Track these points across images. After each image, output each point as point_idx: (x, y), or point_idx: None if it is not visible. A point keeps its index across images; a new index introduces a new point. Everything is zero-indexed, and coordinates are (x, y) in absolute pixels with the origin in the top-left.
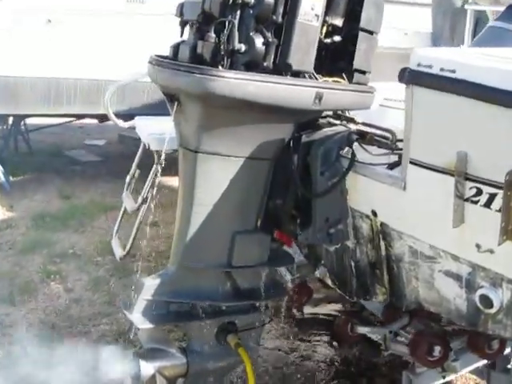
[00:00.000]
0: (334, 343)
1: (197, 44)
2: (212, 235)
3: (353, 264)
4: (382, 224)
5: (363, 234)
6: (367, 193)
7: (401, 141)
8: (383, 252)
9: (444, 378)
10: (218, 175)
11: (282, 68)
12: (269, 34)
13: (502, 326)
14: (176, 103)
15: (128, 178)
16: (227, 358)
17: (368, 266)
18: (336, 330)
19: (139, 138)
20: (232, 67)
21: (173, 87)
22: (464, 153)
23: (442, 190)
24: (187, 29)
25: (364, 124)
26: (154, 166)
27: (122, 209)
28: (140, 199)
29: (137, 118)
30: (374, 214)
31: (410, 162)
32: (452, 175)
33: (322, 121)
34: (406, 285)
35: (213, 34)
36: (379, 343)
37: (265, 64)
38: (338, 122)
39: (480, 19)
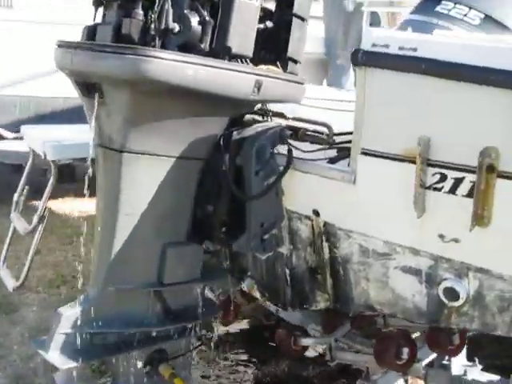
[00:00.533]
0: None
1: (121, 23)
2: (140, 250)
3: (287, 272)
4: (325, 224)
5: (301, 238)
6: (308, 191)
7: (337, 135)
8: (326, 255)
9: (407, 382)
10: (145, 178)
11: (219, 51)
12: (205, 13)
13: (468, 318)
14: (97, 94)
15: (16, 197)
16: None
17: (307, 272)
18: (279, 344)
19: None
20: (164, 49)
21: (94, 73)
22: (426, 137)
23: (400, 180)
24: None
25: (295, 119)
26: (51, 178)
27: (10, 232)
28: (36, 219)
29: (23, 126)
30: (316, 213)
31: (362, 153)
32: (412, 162)
33: (247, 117)
34: (353, 288)
35: (140, 11)
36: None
37: (201, 46)
38: (265, 117)
39: (374, 23)
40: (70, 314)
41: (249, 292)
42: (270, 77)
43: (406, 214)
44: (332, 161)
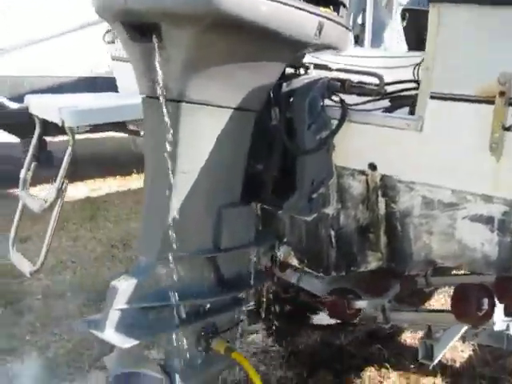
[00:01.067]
0: None
1: None
2: (196, 213)
3: (332, 233)
4: (382, 178)
5: (352, 195)
6: (363, 144)
7: (389, 84)
8: (381, 211)
9: (476, 336)
10: (204, 131)
11: None
12: None
13: None
14: (154, 37)
15: (23, 173)
16: (213, 367)
17: (356, 232)
18: (332, 310)
19: None
20: None
21: (155, 11)
22: (508, 74)
23: (474, 123)
24: None
25: (340, 70)
26: (69, 147)
27: (19, 213)
28: (53, 193)
29: (27, 96)
30: (373, 167)
31: (431, 97)
32: (489, 102)
33: (288, 70)
34: (412, 243)
35: None
36: None
37: None
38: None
39: None
40: (126, 287)
41: (284, 260)
42: (330, 20)
43: (481, 159)
44: (387, 111)
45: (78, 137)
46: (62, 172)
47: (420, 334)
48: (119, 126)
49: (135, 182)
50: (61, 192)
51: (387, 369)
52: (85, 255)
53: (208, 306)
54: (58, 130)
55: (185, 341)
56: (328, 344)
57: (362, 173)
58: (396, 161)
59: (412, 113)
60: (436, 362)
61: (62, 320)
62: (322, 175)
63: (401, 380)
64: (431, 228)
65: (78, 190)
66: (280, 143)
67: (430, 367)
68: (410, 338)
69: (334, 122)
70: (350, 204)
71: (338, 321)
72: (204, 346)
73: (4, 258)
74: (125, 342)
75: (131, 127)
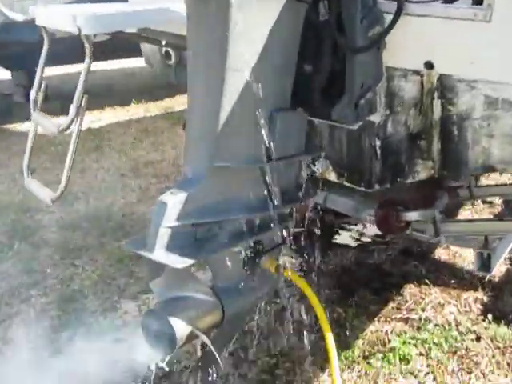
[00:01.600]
0: None
1: None
2: (247, 118)
3: (378, 143)
4: (440, 77)
5: (403, 99)
6: (419, 41)
7: None
8: (436, 115)
9: None
10: (257, 24)
11: None
12: None
13: None
14: None
15: (33, 93)
16: (262, 287)
17: (405, 140)
18: (381, 223)
19: None
20: None
21: None
22: None
23: None
24: None
25: None
26: (87, 58)
27: (31, 136)
28: (73, 110)
29: (32, 7)
30: (429, 66)
31: None
32: None
33: None
34: (470, 148)
35: None
36: None
37: None
38: None
39: None
40: (175, 202)
41: (321, 175)
42: None
43: None
44: (448, 1)
45: (68, 71)
46: (80, 86)
47: (454, 249)
48: (135, 35)
49: (135, 111)
50: (80, 109)
51: (427, 285)
52: (95, 186)
53: (257, 221)
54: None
55: (233, 260)
56: (363, 264)
57: (417, 73)
58: (457, 57)
59: (477, 2)
60: (492, 273)
61: (81, 252)
62: (371, 78)
63: (442, 295)
64: (492, 131)
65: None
66: (329, 41)
67: (487, 278)
68: (444, 254)
69: (387, 17)
70: (399, 109)
71: (367, 239)
72: (252, 265)
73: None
74: (178, 262)
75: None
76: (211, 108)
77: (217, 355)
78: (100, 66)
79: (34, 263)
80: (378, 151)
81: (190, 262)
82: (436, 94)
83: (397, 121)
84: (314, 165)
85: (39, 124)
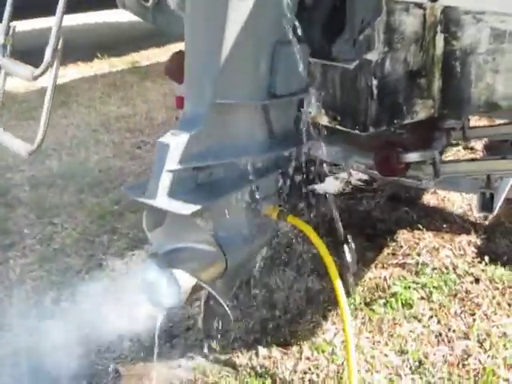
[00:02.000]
0: None
1: None
2: (250, 50)
3: (375, 83)
4: (444, 10)
5: (403, 35)
6: None
7: None
8: (439, 50)
9: None
10: None
11: None
12: None
13: None
14: None
15: (2, 34)
16: (263, 235)
17: (404, 79)
18: (382, 165)
19: None
20: None
21: None
22: None
23: None
24: None
25: None
26: None
27: (0, 84)
28: (48, 53)
29: None
30: None
31: None
32: None
33: None
34: (473, 85)
35: None
36: None
37: None
38: None
39: None
40: (178, 143)
41: (313, 119)
42: None
43: None
44: None
45: (26, 28)
46: (56, 26)
47: (442, 194)
48: None
49: (100, 66)
50: (56, 52)
51: (420, 230)
52: (65, 142)
53: (258, 165)
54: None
55: (233, 208)
56: (352, 211)
57: (419, 6)
58: None
59: None
60: (495, 212)
61: (59, 209)
62: (371, 12)
63: (436, 240)
64: (498, 65)
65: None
66: None
67: (490, 217)
68: (433, 199)
69: None
70: (399, 46)
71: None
72: (252, 212)
73: None
74: (184, 209)
75: None
76: (213, 42)
77: (226, 307)
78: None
79: (9, 223)
80: (375, 91)
81: (196, 207)
82: (439, 28)
83: (396, 58)
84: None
85: (10, 71)
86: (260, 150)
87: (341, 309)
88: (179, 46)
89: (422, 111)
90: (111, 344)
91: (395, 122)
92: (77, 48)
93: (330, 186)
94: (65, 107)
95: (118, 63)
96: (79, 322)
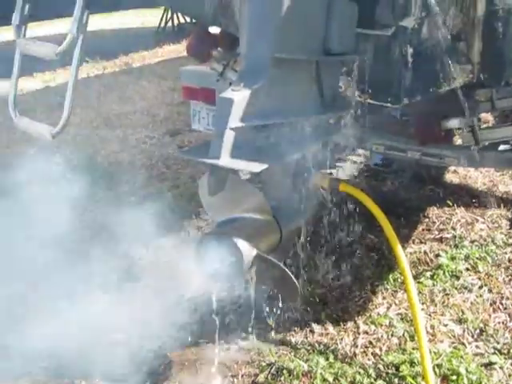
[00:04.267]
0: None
1: None
2: (308, 4)
3: (410, 51)
4: None
5: None
6: None
7: None
8: (480, 11)
9: None
10: None
11: None
12: None
13: None
14: None
15: (16, 19)
16: (312, 204)
17: (442, 44)
18: (423, 132)
19: None
20: None
21: None
22: None
23: None
24: None
25: None
26: None
27: (17, 66)
28: (73, 27)
29: None
30: None
31: None
32: None
33: None
34: None
35: None
36: None
37: None
38: None
39: None
40: (241, 99)
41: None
42: None
43: None
44: None
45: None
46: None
47: (463, 172)
48: None
49: (91, 69)
50: (82, 26)
51: (450, 206)
52: (69, 139)
53: (310, 129)
54: None
55: (282, 177)
56: (378, 191)
57: None
58: None
59: None
60: None
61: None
62: None
63: (468, 214)
64: None
65: (29, 84)
66: None
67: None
68: (455, 177)
69: None
70: (437, 9)
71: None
72: (301, 183)
73: None
74: (252, 167)
75: None
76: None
77: (291, 275)
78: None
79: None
80: (410, 59)
81: (265, 166)
82: None
83: (433, 23)
84: None
85: (29, 51)
86: (313, 111)
87: (403, 273)
88: (168, 50)
89: (460, 77)
90: (158, 329)
91: (431, 90)
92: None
93: (348, 169)
94: (62, 108)
95: (111, 66)
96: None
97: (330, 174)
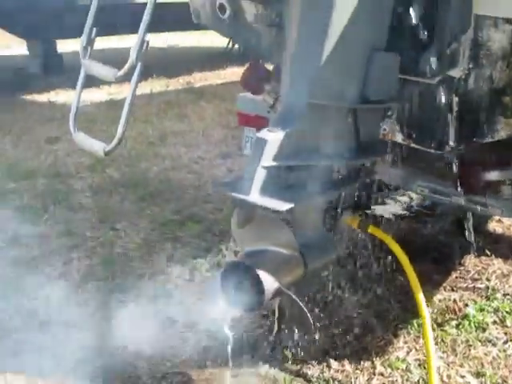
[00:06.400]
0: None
1: None
2: (345, 54)
3: (456, 100)
4: None
5: (490, 51)
6: None
7: None
8: None
9: None
10: None
11: None
12: None
13: None
14: None
15: (84, 40)
16: (338, 245)
17: (487, 96)
18: (465, 180)
19: None
20: None
21: None
22: None
23: None
24: None
25: None
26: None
27: (80, 85)
28: (133, 54)
29: None
30: None
31: None
32: None
33: None
34: None
35: None
36: None
37: None
38: None
39: None
40: (275, 139)
41: (384, 137)
42: None
43: None
44: None
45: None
46: (143, 26)
47: (508, 223)
48: None
49: (155, 85)
50: (141, 54)
51: (487, 256)
52: (124, 153)
53: (344, 171)
54: None
55: (315, 215)
56: (417, 234)
57: (509, 22)
58: None
59: None
60: None
61: (121, 216)
62: (458, 26)
63: (505, 266)
64: None
65: (95, 95)
66: None
67: None
68: (498, 226)
69: None
70: (484, 62)
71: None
72: (331, 221)
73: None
74: (279, 206)
75: None
76: (313, 45)
77: (307, 313)
78: (113, 43)
79: (72, 225)
80: (455, 108)
81: (291, 205)
82: None
83: (480, 75)
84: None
85: (91, 71)
86: (347, 157)
87: (423, 321)
88: (232, 72)
89: (503, 130)
90: (177, 348)
91: (474, 139)
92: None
93: (391, 208)
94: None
95: (173, 83)
96: (143, 324)
97: (364, 214)
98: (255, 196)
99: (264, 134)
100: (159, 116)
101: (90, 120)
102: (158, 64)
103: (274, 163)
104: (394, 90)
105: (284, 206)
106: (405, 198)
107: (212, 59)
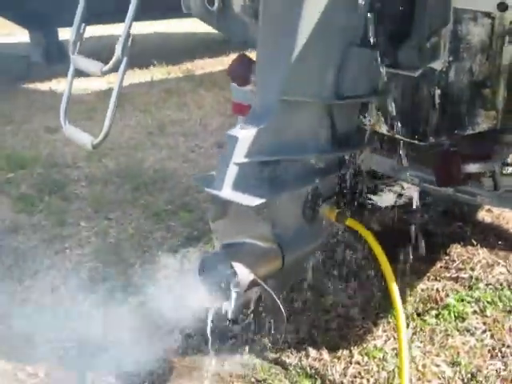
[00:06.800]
0: None
1: None
2: (320, 50)
3: (437, 92)
4: None
5: (470, 44)
6: None
7: None
8: (506, 61)
9: None
10: None
11: None
12: None
13: None
14: None
15: (73, 35)
16: (319, 235)
17: (467, 89)
18: (441, 173)
19: None
20: None
21: None
22: None
23: None
24: None
25: None
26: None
27: (69, 81)
28: (118, 49)
29: None
30: (503, 7)
31: None
32: None
33: None
34: None
35: None
36: None
37: None
38: None
39: None
40: (246, 137)
41: (371, 127)
42: None
43: None
44: None
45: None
46: (127, 26)
47: (497, 212)
48: None
49: (156, 73)
50: (126, 48)
51: (473, 246)
52: (122, 142)
53: (320, 164)
54: None
55: (293, 207)
56: (405, 223)
57: (488, 16)
58: None
59: None
60: None
61: (114, 205)
62: (438, 20)
63: (490, 256)
64: None
65: (94, 84)
66: None
67: None
68: (487, 216)
69: None
70: (465, 55)
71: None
72: (311, 212)
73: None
74: (250, 201)
75: None
76: (285, 41)
77: (280, 305)
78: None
79: (67, 216)
80: (437, 101)
81: (262, 200)
82: (507, 39)
83: (460, 68)
84: (364, 116)
85: (80, 67)
86: (323, 150)
87: (396, 311)
88: (233, 58)
89: (484, 122)
90: (163, 336)
91: (456, 132)
92: (134, 55)
93: (385, 198)
94: (121, 110)
95: (174, 71)
96: (132, 313)
97: (346, 205)
98: (227, 191)
99: (235, 131)
100: (158, 105)
101: (91, 109)
102: (158, 51)
103: (246, 160)
104: (372, 84)
105: (255, 201)
106: (396, 188)
107: (214, 45)
